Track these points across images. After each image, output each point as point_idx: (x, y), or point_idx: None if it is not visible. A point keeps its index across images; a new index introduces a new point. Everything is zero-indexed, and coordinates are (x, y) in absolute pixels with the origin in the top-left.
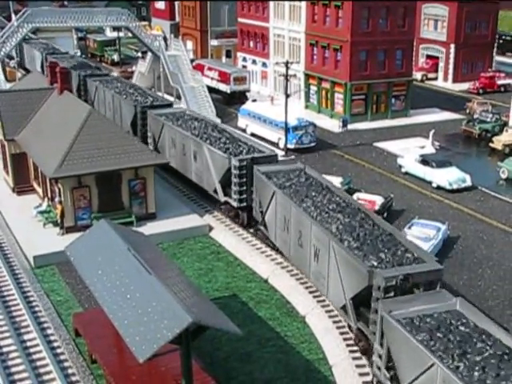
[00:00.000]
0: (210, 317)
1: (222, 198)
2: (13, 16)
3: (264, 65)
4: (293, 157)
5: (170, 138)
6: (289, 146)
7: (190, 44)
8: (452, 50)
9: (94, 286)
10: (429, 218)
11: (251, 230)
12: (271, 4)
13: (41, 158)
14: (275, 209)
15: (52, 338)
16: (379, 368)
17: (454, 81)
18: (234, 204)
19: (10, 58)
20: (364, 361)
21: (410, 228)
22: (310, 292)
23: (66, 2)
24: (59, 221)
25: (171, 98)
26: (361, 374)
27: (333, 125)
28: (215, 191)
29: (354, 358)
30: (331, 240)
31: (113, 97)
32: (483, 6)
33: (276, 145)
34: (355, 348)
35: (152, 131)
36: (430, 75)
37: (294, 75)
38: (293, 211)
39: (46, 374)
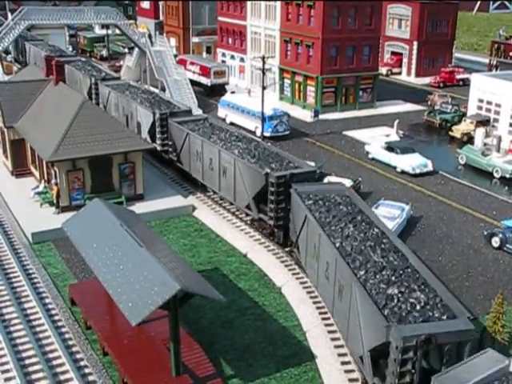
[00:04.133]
0: (196, 285)
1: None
2: (9, 14)
3: (242, 60)
4: (269, 144)
5: (114, 104)
6: (265, 134)
7: (173, 41)
8: (415, 47)
9: (90, 258)
10: (394, 199)
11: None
12: (248, 4)
13: (38, 144)
14: (188, 147)
15: (50, 306)
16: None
17: (417, 75)
18: (159, 148)
19: (7, 52)
20: (335, 327)
21: (376, 208)
22: (286, 266)
23: (57, 2)
24: (55, 201)
25: (156, 90)
26: (332, 339)
27: (305, 115)
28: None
29: (326, 325)
30: (236, 159)
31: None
32: (443, 7)
33: (253, 133)
34: (327, 316)
35: (102, 98)
36: (395, 70)
37: (270, 69)
38: (204, 145)
39: (45, 338)
